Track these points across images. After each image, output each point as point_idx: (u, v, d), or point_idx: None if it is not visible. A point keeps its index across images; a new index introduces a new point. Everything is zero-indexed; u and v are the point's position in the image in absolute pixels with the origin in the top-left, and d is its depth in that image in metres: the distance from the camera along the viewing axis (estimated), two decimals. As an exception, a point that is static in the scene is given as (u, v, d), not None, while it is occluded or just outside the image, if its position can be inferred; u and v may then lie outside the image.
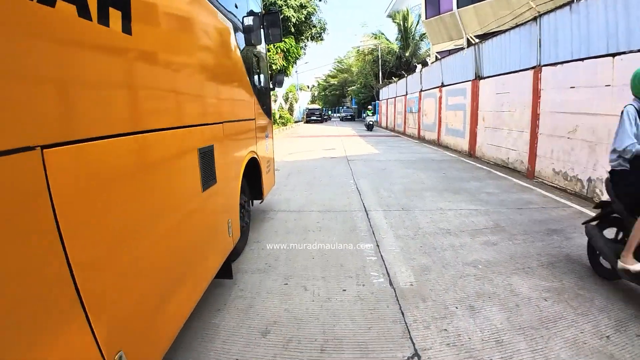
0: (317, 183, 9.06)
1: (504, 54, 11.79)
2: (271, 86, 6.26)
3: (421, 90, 21.93)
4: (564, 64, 8.80)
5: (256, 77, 5.24)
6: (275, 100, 57.97)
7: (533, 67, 10.02)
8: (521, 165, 10.57)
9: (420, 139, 21.72)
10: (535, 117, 9.85)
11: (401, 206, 6.93)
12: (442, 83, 17.85)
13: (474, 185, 8.81)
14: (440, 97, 18.02)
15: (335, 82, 74.09)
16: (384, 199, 7.49)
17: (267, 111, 5.94)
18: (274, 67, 20.05)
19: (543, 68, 9.59)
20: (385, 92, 35.45)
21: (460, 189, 8.45)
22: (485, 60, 13.25)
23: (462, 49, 17.84)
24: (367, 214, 6.42)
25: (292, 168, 11.30)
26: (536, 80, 9.82)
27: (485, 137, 12.99)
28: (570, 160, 8.47)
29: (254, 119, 4.90)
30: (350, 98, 75.18)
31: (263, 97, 5.56)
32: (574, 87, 8.43)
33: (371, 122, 31.21)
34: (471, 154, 14.06)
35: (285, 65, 21.42)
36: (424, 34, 40.92)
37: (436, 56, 31.50)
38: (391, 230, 5.62)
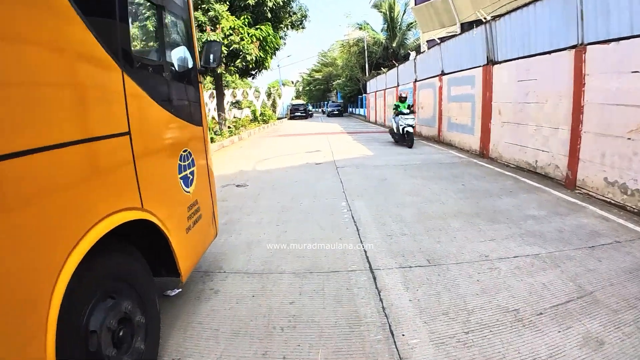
0: (295, 209, 6.54)
1: (528, 32, 9.46)
2: (201, 64, 3.64)
3: (416, 80, 19.59)
4: (620, 42, 6.51)
5: (145, 40, 2.78)
6: (258, 97, 55.36)
7: (573, 47, 7.71)
8: (556, 171, 8.29)
9: (416, 135, 19.36)
10: (577, 110, 7.55)
11: (425, 255, 4.47)
12: (443, 71, 15.50)
13: (509, 204, 6.46)
14: (441, 87, 15.67)
15: (320, 77, 72.30)
16: (396, 238, 5.02)
17: (188, 112, 3.33)
18: (248, 57, 17.49)
19: (588, 47, 7.28)
20: (373, 85, 33.05)
21: (494, 211, 6.09)
22: (501, 42, 10.90)
23: (455, 35, 15.78)
24: (375, 280, 3.92)
25: (265, 182, 8.80)
26: (579, 63, 7.50)
27: (503, 134, 10.67)
28: (632, 168, 6.22)
29: (128, 134, 2.26)
30: (335, 92, 73.23)
31: (167, 82, 2.98)
32: (637, 72, 6.14)
33: (409, 128, 14.58)
34: (484, 154, 11.72)
35: (262, 56, 18.84)
36: (411, 23, 39.00)
37: (428, 42, 29.56)
38: (422, 322, 3.14)
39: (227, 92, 57.18)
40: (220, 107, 23.66)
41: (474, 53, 12.57)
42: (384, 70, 28.42)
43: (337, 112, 51.58)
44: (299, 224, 5.69)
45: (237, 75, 23.12)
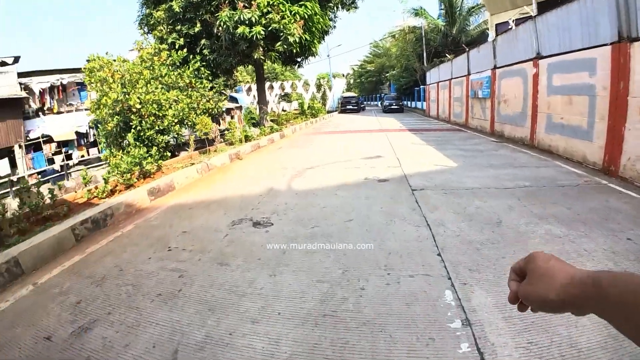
0: (349, 313, 3.16)
1: None
2: None
3: (495, 68, 15.91)
4: None
5: None
6: (307, 90, 52.61)
7: None
8: None
9: (495, 135, 15.68)
10: None
11: None
12: (539, 53, 11.84)
13: None
14: (536, 75, 12.00)
15: (372, 68, 69.07)
16: None
17: None
18: (290, 39, 14.47)
19: None
20: (434, 75, 29.25)
21: None
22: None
23: (531, 17, 12.25)
24: None
25: (301, 219, 5.59)
26: None
27: (653, 143, 7.14)
28: None
29: None
30: (388, 84, 69.63)
31: None
32: None
33: None
34: (610, 170, 8.12)
35: (307, 39, 15.72)
36: (473, 7, 34.80)
37: (497, 26, 25.66)
38: None
39: (276, 85, 55.01)
40: (261, 99, 20.78)
41: (594, 26, 8.96)
42: (450, 56, 24.63)
43: (396, 107, 39.05)
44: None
45: (279, 62, 20.16)
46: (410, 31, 39.88)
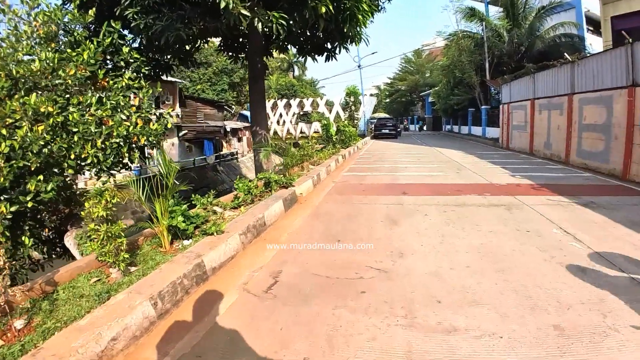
0: None
1: None
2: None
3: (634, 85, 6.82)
4: None
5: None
6: (330, 110, 43.77)
7: None
8: None
9: None
10: None
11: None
12: None
13: None
14: None
15: (403, 87, 60.96)
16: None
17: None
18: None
19: None
20: (519, 90, 20.07)
21: None
22: None
23: None
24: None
25: None
26: None
27: None
28: None
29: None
30: (421, 105, 60.88)
31: None
32: None
33: None
34: None
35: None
36: (544, 6, 25.18)
37: (615, 20, 17.03)
38: None
39: (294, 102, 46.28)
40: (257, 117, 11.68)
41: None
42: (571, 57, 15.52)
43: None
44: None
45: (295, 49, 11.40)
46: (465, 36, 30.83)
